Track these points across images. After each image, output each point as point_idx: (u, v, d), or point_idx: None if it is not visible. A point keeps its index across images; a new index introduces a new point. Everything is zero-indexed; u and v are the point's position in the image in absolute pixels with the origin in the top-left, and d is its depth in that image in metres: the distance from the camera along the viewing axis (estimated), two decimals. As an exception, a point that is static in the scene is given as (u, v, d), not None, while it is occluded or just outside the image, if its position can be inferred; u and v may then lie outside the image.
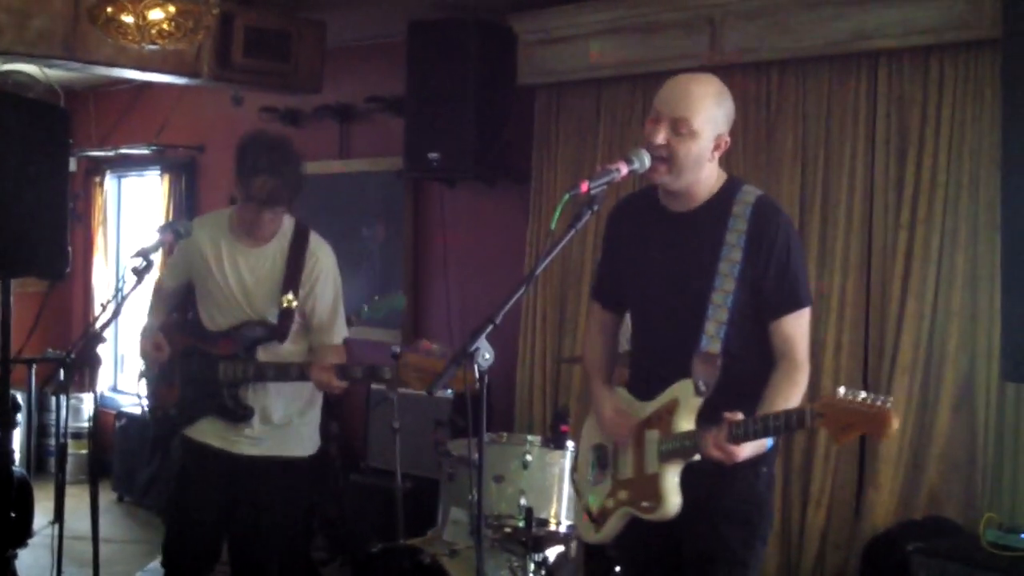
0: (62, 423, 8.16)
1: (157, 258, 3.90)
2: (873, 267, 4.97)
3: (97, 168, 9.59)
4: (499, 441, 4.37)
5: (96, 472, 3.80)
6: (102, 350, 3.93)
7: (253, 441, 4.23)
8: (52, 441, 8.97)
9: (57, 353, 8.18)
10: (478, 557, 3.07)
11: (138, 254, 3.82)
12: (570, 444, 4.30)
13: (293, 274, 4.20)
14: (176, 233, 4.01)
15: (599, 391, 3.47)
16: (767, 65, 5.24)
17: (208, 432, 4.26)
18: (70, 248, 5.31)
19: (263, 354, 4.18)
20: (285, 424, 4.26)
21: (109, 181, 9.64)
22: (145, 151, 8.88)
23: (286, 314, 4.19)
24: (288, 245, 4.23)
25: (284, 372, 4.12)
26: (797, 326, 3.16)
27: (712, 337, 3.11)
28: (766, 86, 5.27)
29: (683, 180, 3.17)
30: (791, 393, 3.08)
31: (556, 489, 4.28)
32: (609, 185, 3.01)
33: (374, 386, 6.40)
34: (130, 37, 4.98)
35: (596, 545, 3.79)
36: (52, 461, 8.91)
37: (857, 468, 4.98)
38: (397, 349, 3.82)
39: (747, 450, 2.98)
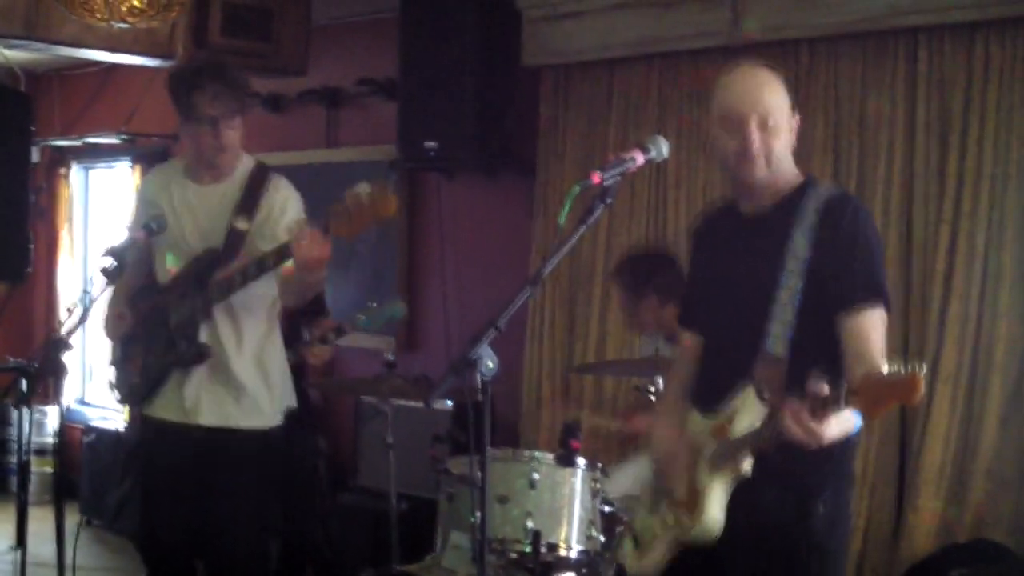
0: (24, 439, 8.15)
1: (129, 257, 3.93)
2: (913, 265, 4.95)
3: (62, 159, 9.59)
4: (504, 458, 4.36)
5: (62, 493, 3.81)
6: (68, 358, 3.94)
7: (209, 409, 4.27)
8: (13, 459, 8.96)
9: (18, 362, 8.18)
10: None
11: (108, 253, 3.83)
12: (581, 461, 4.30)
13: (248, 200, 4.26)
14: (149, 230, 4.03)
15: (664, 407, 3.48)
16: (795, 44, 5.23)
17: (166, 406, 4.34)
18: (32, 246, 5.31)
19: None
20: (241, 387, 4.30)
21: (75, 173, 9.64)
22: (114, 140, 8.87)
23: (234, 235, 4.23)
24: (246, 178, 4.32)
25: (228, 284, 4.14)
26: (871, 326, 3.06)
27: (778, 338, 3.08)
28: (794, 67, 5.25)
29: (778, 171, 3.22)
30: None
31: (566, 511, 4.27)
32: (623, 176, 3.01)
33: (364, 398, 6.40)
34: (98, 15, 4.97)
35: None
36: (13, 480, 8.89)
37: (896, 488, 4.96)
38: (391, 357, 3.85)
39: (833, 429, 2.77)
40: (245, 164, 4.35)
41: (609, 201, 3.00)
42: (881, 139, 5.01)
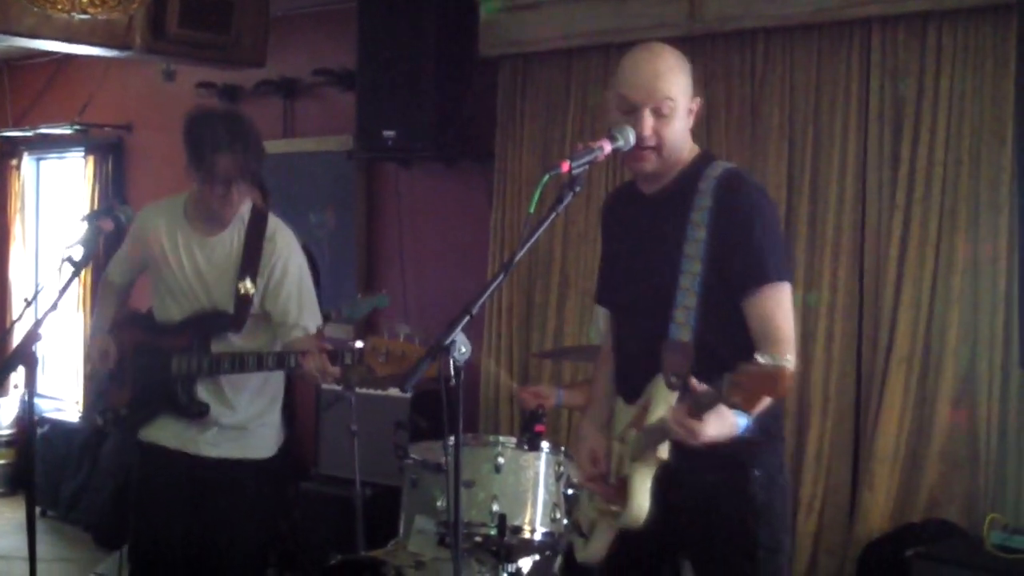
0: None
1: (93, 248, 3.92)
2: (866, 251, 5.04)
3: (13, 150, 9.53)
4: (469, 443, 4.39)
5: (32, 484, 3.82)
6: (39, 349, 3.93)
7: (210, 443, 4.29)
8: (-31, 453, 8.92)
9: (-29, 354, 8.13)
10: (455, 570, 3.09)
11: (77, 243, 3.82)
12: (545, 445, 4.34)
13: (250, 260, 4.24)
14: (116, 220, 4.01)
15: (586, 423, 3.46)
16: (751, 34, 5.30)
17: (163, 433, 4.31)
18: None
19: (217, 346, 4.22)
20: (242, 427, 4.31)
21: (27, 164, 9.59)
22: (67, 130, 8.81)
23: (243, 301, 4.22)
24: (244, 230, 4.28)
25: (240, 362, 4.14)
26: (774, 304, 3.09)
27: (682, 324, 3.08)
28: (750, 57, 5.33)
29: (671, 159, 3.20)
30: None
31: (530, 494, 4.31)
32: (592, 164, 3.04)
33: (325, 385, 6.42)
34: (60, 6, 4.95)
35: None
36: (-33, 474, 8.86)
37: (851, 469, 5.05)
38: (361, 343, 3.84)
39: (712, 427, 2.83)
40: (243, 211, 4.29)
41: (578, 189, 3.00)
42: (835, 128, 5.08)
